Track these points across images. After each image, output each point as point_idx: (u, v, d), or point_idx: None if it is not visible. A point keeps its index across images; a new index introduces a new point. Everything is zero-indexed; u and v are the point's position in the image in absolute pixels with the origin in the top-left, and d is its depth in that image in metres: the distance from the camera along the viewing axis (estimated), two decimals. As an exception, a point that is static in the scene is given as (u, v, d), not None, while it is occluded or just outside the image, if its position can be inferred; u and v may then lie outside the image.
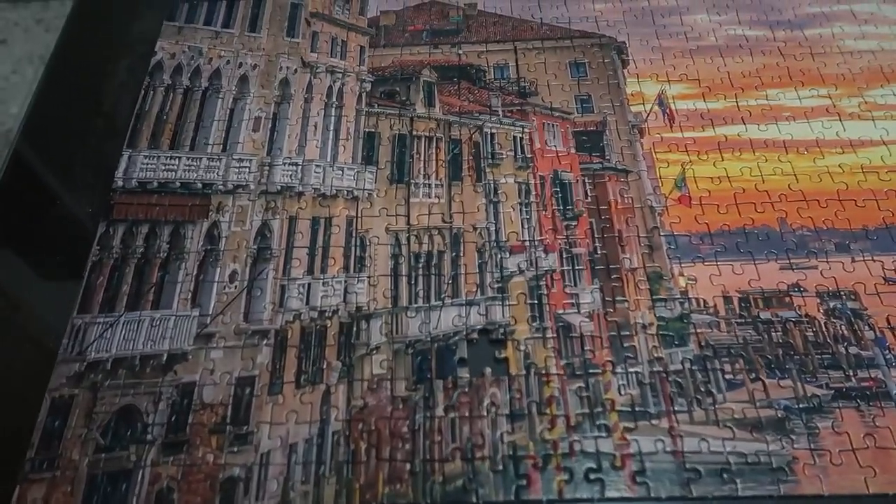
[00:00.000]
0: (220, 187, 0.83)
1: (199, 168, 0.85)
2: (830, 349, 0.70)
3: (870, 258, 0.75)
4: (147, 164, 0.85)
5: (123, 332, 0.72)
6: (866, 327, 0.71)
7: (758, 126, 0.87)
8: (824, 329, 0.71)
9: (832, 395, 0.66)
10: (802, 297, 0.73)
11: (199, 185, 0.84)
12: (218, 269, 0.77)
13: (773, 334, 0.71)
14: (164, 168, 0.85)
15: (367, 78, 0.94)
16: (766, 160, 0.83)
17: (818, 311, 0.73)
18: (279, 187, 0.83)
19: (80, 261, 0.78)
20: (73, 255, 0.79)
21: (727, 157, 0.84)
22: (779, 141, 0.85)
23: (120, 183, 0.83)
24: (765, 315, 0.73)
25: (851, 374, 0.68)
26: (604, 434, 0.64)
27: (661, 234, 0.79)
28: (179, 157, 0.85)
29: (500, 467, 0.63)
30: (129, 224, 0.81)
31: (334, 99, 0.92)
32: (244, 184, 0.84)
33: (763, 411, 0.66)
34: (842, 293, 0.73)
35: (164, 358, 0.71)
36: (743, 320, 0.72)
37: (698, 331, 0.71)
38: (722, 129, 0.87)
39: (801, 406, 0.66)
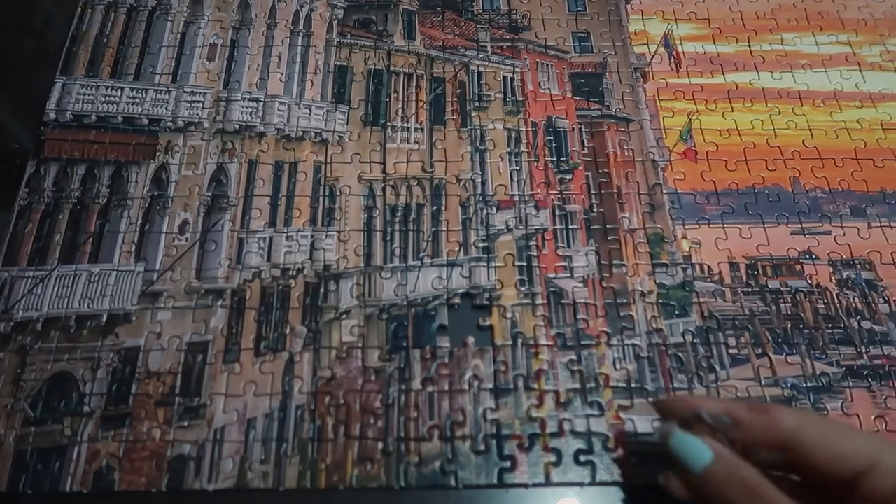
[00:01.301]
0: (169, 124, 0.73)
1: (145, 101, 0.74)
2: (842, 323, 0.64)
3: (887, 224, 0.69)
4: (84, 94, 0.74)
5: (56, 288, 0.64)
6: (881, 300, 0.66)
7: (771, 74, 0.79)
8: (836, 301, 0.66)
9: (842, 374, 0.61)
10: (814, 265, 0.68)
11: (145, 121, 0.73)
12: (166, 219, 0.68)
13: (782, 305, 0.66)
14: (103, 99, 0.74)
15: (338, 3, 0.83)
16: (780, 112, 0.76)
17: (830, 280, 0.67)
18: (237, 126, 0.74)
19: (4, 205, 0.68)
20: (-4, 197, 0.69)
21: (737, 108, 0.77)
22: (793, 91, 0.78)
23: (52, 115, 0.73)
24: (773, 284, 0.67)
25: (864, 350, 0.63)
26: (597, 412, 0.59)
27: (664, 191, 0.72)
28: (122, 88, 0.75)
29: (483, 448, 0.57)
30: (63, 163, 0.71)
31: (301, 26, 0.81)
32: (197, 121, 0.74)
33: (769, 390, 0.60)
34: (856, 262, 0.67)
35: (104, 319, 0.63)
36: (750, 289, 0.67)
37: (701, 300, 0.65)
38: (732, 75, 0.79)
39: (809, 385, 0.61)
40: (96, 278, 0.64)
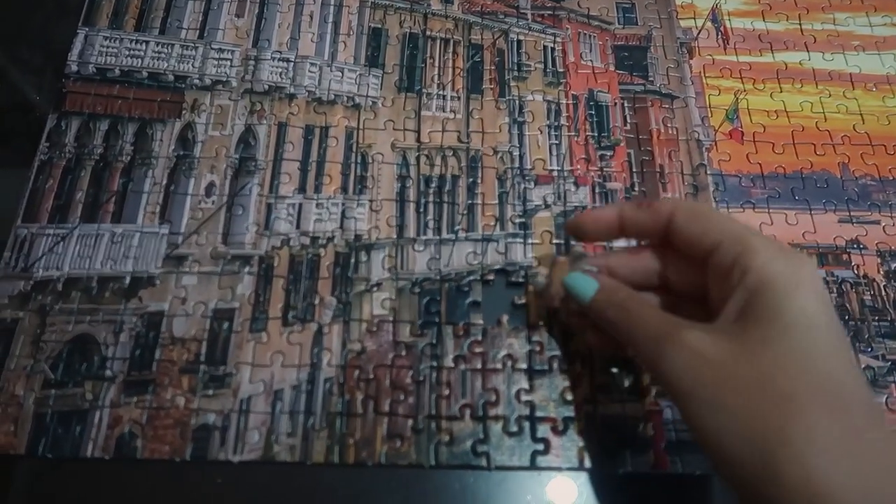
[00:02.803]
0: (196, 82, 0.70)
1: (171, 56, 0.71)
2: (889, 316, 0.62)
3: (938, 215, 0.67)
4: (107, 46, 0.71)
5: (78, 247, 0.62)
6: (930, 294, 0.64)
7: (822, 55, 0.76)
8: (883, 293, 0.64)
9: (888, 368, 0.60)
10: (862, 255, 0.65)
11: (171, 78, 0.70)
12: (192, 180, 0.66)
13: (828, 295, 0.63)
14: (127, 53, 0.71)
15: (373, -38, 0.79)
16: (830, 95, 0.73)
17: (878, 272, 0.65)
18: (266, 87, 0.71)
19: (25, 158, 0.65)
20: (16, 150, 0.67)
21: (786, 89, 0.74)
22: (845, 74, 0.75)
23: (74, 68, 0.70)
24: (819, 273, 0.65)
25: (911, 345, 0.61)
26: (633, 397, 0.57)
27: (709, 172, 0.69)
28: (147, 42, 0.72)
29: (516, 429, 0.55)
30: (86, 118, 0.68)
31: (334, -15, 0.78)
32: (224, 79, 0.71)
33: (811, 382, 0.58)
34: (905, 253, 0.65)
35: (127, 281, 0.61)
36: (794, 277, 0.64)
37: (744, 286, 0.63)
38: (782, 55, 0.76)
39: (853, 378, 0.59)
40: (119, 239, 0.62)
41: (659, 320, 0.44)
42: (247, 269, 0.62)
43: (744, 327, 0.40)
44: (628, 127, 0.72)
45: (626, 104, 0.73)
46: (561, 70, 0.75)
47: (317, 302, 0.61)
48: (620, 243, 0.59)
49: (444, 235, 0.65)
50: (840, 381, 0.38)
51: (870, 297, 0.64)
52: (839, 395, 0.37)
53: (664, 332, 0.42)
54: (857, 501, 0.35)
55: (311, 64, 0.72)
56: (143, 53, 0.71)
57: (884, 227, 0.66)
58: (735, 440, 0.38)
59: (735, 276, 0.41)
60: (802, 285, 0.39)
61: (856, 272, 0.65)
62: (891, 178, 0.69)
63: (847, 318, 0.62)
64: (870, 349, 0.61)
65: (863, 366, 0.59)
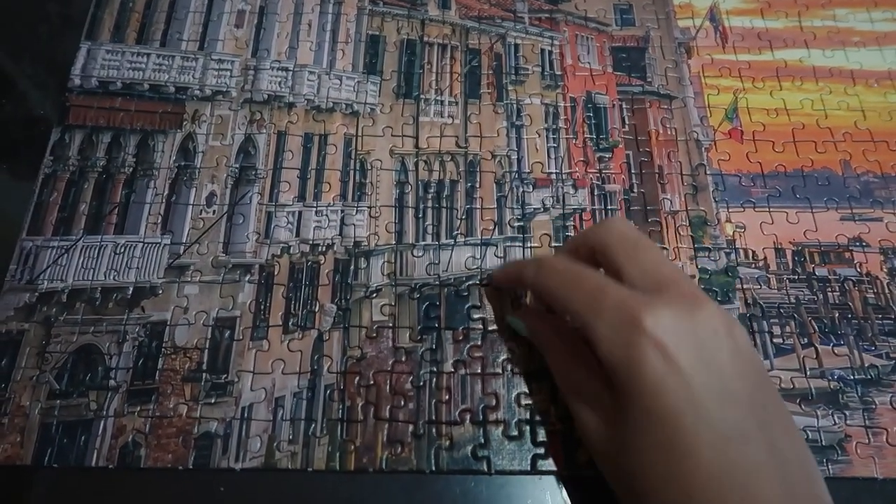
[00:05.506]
0: (197, 93, 0.71)
1: (172, 68, 0.72)
2: (893, 314, 0.62)
3: (942, 211, 0.66)
4: (109, 60, 0.72)
5: (82, 259, 0.62)
6: (934, 291, 0.63)
7: (823, 51, 0.76)
8: (887, 291, 0.63)
9: (892, 367, 0.59)
10: (864, 252, 0.65)
11: (172, 89, 0.71)
12: (193, 190, 0.67)
13: (830, 294, 0.63)
14: (129, 66, 0.72)
15: (370, -30, 0.80)
16: (831, 92, 0.73)
17: (881, 269, 0.64)
18: (266, 96, 0.71)
19: (29, 171, 0.66)
20: (21, 164, 0.68)
21: (786, 87, 0.73)
22: (846, 70, 0.74)
23: (77, 82, 0.71)
24: (821, 272, 0.64)
25: (915, 343, 0.60)
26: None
27: (708, 172, 0.69)
28: (148, 55, 0.73)
29: (516, 433, 0.55)
30: (89, 131, 0.69)
31: (332, -7, 0.78)
32: (225, 90, 0.72)
33: (814, 381, 0.58)
34: (909, 250, 0.64)
35: (130, 291, 0.61)
36: (796, 277, 0.64)
37: (745, 286, 0.63)
38: (781, 52, 0.76)
39: (857, 377, 0.58)
40: (122, 250, 0.63)
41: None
42: (247, 277, 0.62)
43: (618, 416, 0.43)
44: (627, 128, 0.72)
45: (624, 105, 0.73)
46: (558, 73, 0.75)
47: (317, 309, 0.61)
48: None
49: (443, 240, 0.65)
50: (696, 464, 0.38)
51: (873, 295, 0.63)
52: (694, 483, 0.38)
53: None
54: None
55: (310, 72, 0.73)
56: (144, 66, 0.72)
57: (886, 224, 0.66)
58: None
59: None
60: (638, 364, 0.40)
61: (858, 270, 0.64)
62: (893, 174, 0.68)
63: (850, 316, 0.62)
64: (873, 348, 0.60)
65: (866, 364, 0.59)
